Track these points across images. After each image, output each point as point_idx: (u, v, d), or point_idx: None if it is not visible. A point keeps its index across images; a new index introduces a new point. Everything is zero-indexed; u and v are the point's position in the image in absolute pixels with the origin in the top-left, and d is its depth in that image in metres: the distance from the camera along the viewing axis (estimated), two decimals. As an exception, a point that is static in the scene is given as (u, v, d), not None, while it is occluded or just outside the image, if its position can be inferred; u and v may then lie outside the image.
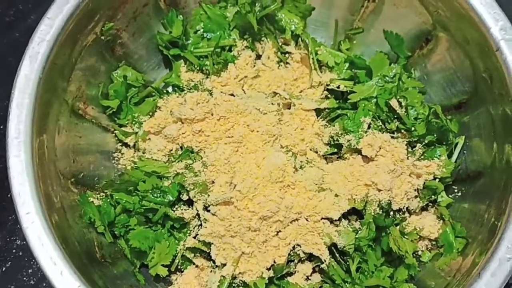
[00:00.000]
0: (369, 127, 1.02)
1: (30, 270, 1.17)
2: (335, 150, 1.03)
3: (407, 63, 1.10)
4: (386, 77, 1.07)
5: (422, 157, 1.03)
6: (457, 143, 1.04)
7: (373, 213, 0.97)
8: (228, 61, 1.09)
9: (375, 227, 0.97)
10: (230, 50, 1.11)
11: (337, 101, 1.06)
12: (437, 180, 1.02)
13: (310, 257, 1.00)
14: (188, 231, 1.01)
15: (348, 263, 0.99)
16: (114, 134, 1.10)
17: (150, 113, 1.07)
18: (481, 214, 0.96)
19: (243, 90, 1.08)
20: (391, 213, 1.00)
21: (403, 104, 1.03)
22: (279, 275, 0.98)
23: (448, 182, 1.04)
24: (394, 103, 1.02)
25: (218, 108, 1.01)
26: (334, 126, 1.03)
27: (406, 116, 1.02)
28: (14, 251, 1.18)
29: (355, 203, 0.97)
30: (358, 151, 1.01)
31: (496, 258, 0.84)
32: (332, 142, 1.03)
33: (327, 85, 1.08)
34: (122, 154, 1.10)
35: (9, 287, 1.16)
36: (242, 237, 0.94)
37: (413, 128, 1.03)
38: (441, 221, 1.03)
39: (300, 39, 1.11)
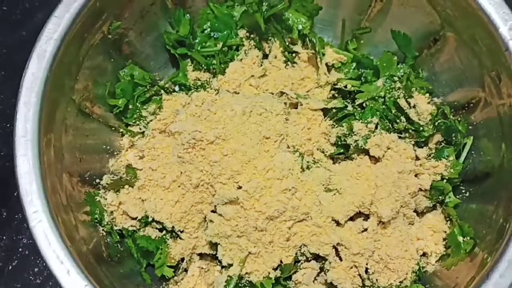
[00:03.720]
0: (376, 127, 1.02)
1: (36, 269, 1.17)
2: (342, 150, 1.03)
3: (414, 63, 1.10)
4: (393, 77, 1.07)
5: (429, 157, 1.03)
6: (465, 144, 1.03)
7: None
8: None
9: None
10: (237, 50, 1.11)
11: (344, 101, 1.06)
12: (445, 180, 1.02)
13: (317, 257, 1.00)
14: (195, 231, 1.01)
15: (355, 263, 0.98)
16: (120, 133, 1.10)
17: (157, 112, 1.07)
18: (489, 215, 0.95)
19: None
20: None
21: (411, 104, 1.03)
22: (286, 276, 0.98)
23: (456, 182, 1.03)
24: (402, 103, 1.02)
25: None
26: (341, 126, 1.03)
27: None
28: (20, 249, 1.18)
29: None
30: (366, 152, 1.00)
31: (505, 259, 0.83)
32: (339, 142, 1.02)
33: (334, 84, 1.07)
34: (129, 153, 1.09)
35: (16, 286, 1.16)
36: (248, 237, 0.94)
37: (421, 128, 1.02)
38: (449, 221, 1.02)
39: (307, 38, 1.11)
